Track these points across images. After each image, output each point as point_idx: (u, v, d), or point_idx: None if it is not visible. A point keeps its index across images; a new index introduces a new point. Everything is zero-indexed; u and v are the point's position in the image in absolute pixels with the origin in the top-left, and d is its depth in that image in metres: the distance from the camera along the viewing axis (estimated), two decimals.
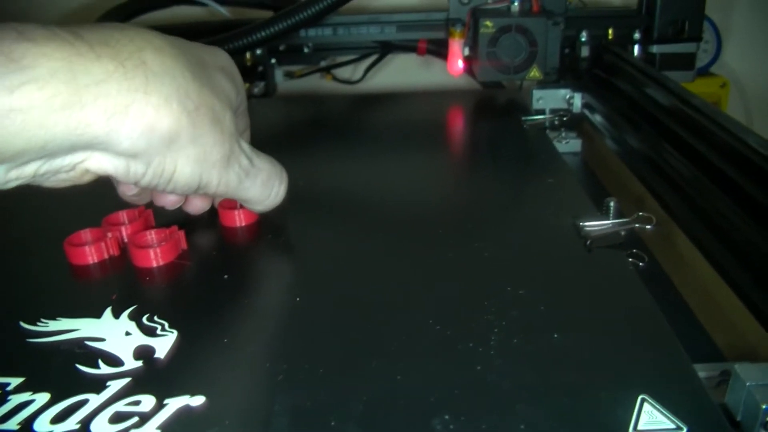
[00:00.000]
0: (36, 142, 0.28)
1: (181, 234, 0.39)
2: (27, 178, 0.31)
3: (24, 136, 0.27)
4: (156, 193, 0.39)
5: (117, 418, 0.27)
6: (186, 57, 0.33)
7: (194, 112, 0.32)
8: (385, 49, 0.80)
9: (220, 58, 0.38)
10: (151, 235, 0.39)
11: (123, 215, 0.41)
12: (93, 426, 0.26)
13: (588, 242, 0.38)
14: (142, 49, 0.31)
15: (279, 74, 0.81)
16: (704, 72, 0.97)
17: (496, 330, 0.31)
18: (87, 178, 0.33)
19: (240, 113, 0.39)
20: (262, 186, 0.38)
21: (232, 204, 0.41)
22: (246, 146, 0.37)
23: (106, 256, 0.39)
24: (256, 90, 0.77)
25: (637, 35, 0.71)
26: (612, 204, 0.41)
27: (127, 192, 0.38)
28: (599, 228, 0.40)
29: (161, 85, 0.31)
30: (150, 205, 0.41)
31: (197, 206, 0.42)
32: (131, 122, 0.30)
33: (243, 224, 0.42)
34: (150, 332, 0.32)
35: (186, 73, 0.33)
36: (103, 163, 0.32)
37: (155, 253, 0.37)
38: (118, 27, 0.32)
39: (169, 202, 0.40)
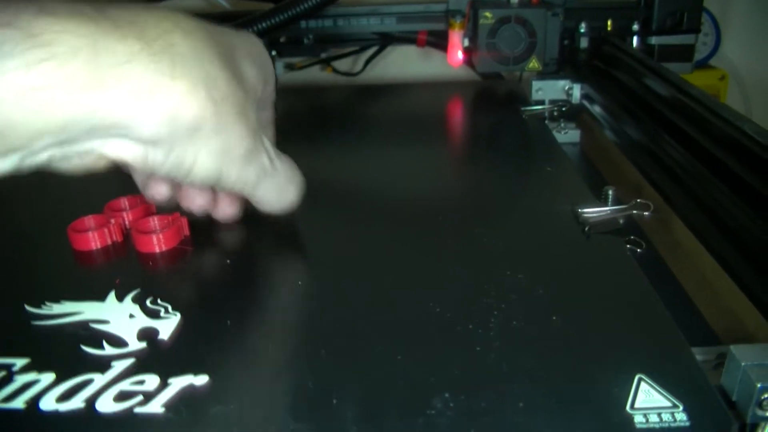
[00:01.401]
0: (55, 124, 0.26)
1: (184, 220, 0.39)
2: (40, 165, 0.29)
3: (42, 117, 0.26)
4: (183, 195, 0.38)
5: (122, 396, 0.27)
6: (215, 42, 0.32)
7: (221, 102, 0.30)
8: (385, 41, 0.80)
9: (252, 44, 0.36)
10: (155, 221, 0.39)
11: (124, 201, 0.41)
12: (98, 404, 0.27)
13: (586, 228, 0.39)
14: (170, 32, 0.29)
15: (279, 66, 0.81)
16: (703, 64, 0.97)
17: (495, 313, 0.31)
18: (101, 165, 0.31)
19: (266, 105, 0.38)
20: (278, 189, 0.36)
21: None
22: (269, 144, 0.35)
23: (109, 241, 0.39)
24: None
25: (636, 27, 0.71)
26: (610, 192, 0.42)
27: (156, 196, 0.36)
28: (597, 214, 0.40)
29: (189, 69, 0.29)
30: (176, 208, 0.39)
31: (226, 212, 0.39)
32: (156, 107, 0.28)
33: None
34: (153, 315, 0.32)
35: (215, 60, 0.31)
36: (121, 150, 0.30)
37: (158, 238, 0.38)
38: (146, 7, 0.30)
39: (197, 205, 0.38)
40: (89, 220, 0.40)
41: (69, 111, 0.26)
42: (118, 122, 0.28)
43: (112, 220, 0.39)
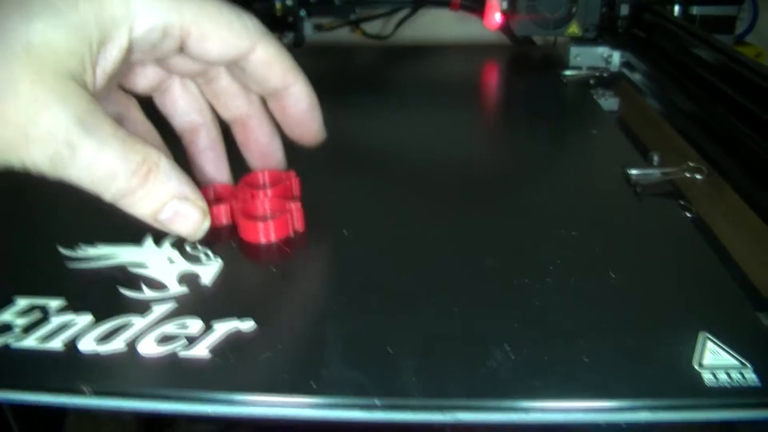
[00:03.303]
0: None
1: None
2: None
3: None
4: None
5: (164, 339, 0.26)
6: None
7: None
8: (417, 3, 0.79)
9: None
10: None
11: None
12: (140, 346, 0.25)
13: (638, 189, 0.37)
14: None
15: (308, 26, 0.79)
16: (739, 41, 0.94)
17: (551, 268, 0.30)
18: None
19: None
20: (95, 175, 0.27)
21: None
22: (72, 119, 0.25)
23: None
24: (285, 41, 0.75)
25: None
26: (656, 157, 0.40)
27: None
28: (648, 176, 0.39)
29: None
30: None
31: None
32: None
33: None
34: (194, 260, 0.31)
35: None
36: None
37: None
38: None
39: None
40: None
41: None
42: None
43: None
